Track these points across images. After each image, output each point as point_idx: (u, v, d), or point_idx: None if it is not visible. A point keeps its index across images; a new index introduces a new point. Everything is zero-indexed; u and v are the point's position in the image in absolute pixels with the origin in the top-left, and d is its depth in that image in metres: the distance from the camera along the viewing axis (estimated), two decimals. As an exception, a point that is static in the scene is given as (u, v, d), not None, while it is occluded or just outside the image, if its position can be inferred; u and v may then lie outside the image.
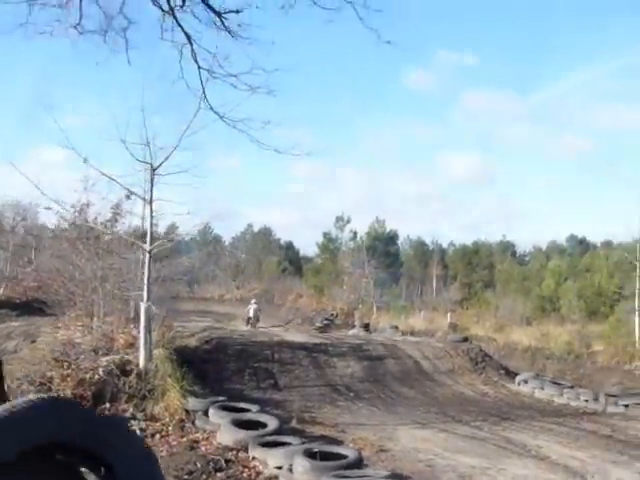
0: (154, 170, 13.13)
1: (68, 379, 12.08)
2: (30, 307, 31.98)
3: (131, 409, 11.89)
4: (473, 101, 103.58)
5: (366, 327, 32.66)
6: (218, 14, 10.16)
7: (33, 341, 20.26)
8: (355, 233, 61.73)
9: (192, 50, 10.71)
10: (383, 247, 62.43)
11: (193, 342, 19.67)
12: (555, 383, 20.10)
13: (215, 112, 11.64)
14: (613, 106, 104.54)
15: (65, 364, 12.73)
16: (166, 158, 13.19)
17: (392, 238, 67.58)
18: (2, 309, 31.84)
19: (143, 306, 13.22)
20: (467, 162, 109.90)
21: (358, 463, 8.61)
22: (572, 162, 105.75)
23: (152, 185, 13.28)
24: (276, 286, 51.71)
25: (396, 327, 32.24)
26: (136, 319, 19.25)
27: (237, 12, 10.28)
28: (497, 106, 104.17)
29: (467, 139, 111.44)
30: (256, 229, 79.56)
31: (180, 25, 10.35)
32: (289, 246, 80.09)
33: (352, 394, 18.25)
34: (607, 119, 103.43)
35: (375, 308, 42.30)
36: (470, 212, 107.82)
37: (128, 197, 18.33)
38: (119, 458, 2.97)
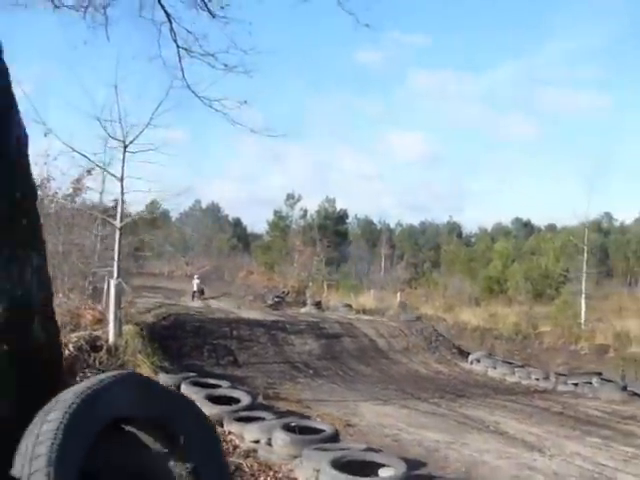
0: (126, 147, 13.15)
1: (37, 354, 12.05)
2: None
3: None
4: (422, 80, 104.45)
5: (318, 305, 32.97)
6: (200, -6, 10.27)
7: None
8: (305, 211, 62.03)
9: (171, 28, 10.79)
10: (333, 226, 62.81)
11: (150, 318, 19.70)
12: (506, 362, 20.78)
13: (192, 91, 11.77)
14: (560, 91, 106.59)
15: (33, 339, 12.69)
16: (137, 135, 13.22)
17: (342, 217, 68.01)
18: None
19: (113, 282, 13.27)
20: (415, 141, 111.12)
21: (335, 437, 8.93)
22: (517, 145, 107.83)
23: (124, 162, 13.30)
24: (226, 263, 51.66)
25: (349, 305, 32.68)
26: (94, 295, 19.21)
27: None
28: (445, 86, 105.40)
29: (416, 118, 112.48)
30: (204, 205, 79.26)
31: (161, 4, 10.43)
32: (237, 223, 79.97)
33: (311, 371, 18.58)
34: (554, 104, 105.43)
35: (326, 286, 42.67)
36: (417, 192, 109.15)
37: (89, 172, 18.25)
38: (188, 432, 3.18)
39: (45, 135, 14.04)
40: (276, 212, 63.12)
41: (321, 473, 7.22)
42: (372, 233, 73.96)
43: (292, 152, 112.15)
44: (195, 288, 34.58)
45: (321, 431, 9.03)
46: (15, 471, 2.76)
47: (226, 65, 11.34)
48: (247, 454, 8.69)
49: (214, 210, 79.91)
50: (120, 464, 3.12)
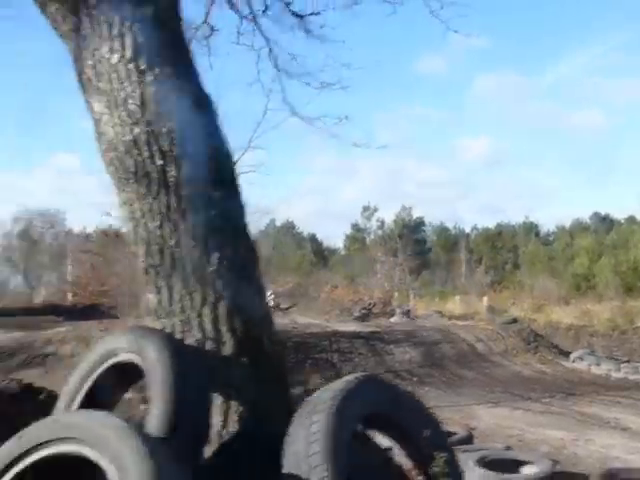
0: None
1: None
2: (74, 312, 32.42)
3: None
4: (486, 83, 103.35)
5: (407, 314, 33.02)
6: (300, 17, 10.67)
7: (87, 344, 20.89)
8: (382, 222, 62.37)
9: (270, 52, 11.21)
10: (410, 234, 62.86)
11: (250, 337, 20.15)
12: (611, 358, 20.53)
13: (294, 111, 12.20)
14: (629, 81, 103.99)
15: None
16: (239, 158, 13.70)
17: (418, 225, 67.99)
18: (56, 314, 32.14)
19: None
20: (484, 144, 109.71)
21: (469, 439, 9.18)
22: (587, 139, 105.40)
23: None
24: (308, 279, 52.25)
25: (439, 312, 32.70)
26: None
27: (317, 14, 10.80)
28: (510, 87, 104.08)
29: (482, 121, 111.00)
30: (278, 223, 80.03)
31: (260, 30, 10.87)
32: (312, 238, 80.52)
33: (415, 379, 18.76)
34: (623, 94, 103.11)
35: (412, 295, 42.76)
36: (490, 195, 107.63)
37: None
38: (418, 427, 3.52)
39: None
40: (353, 225, 63.64)
41: (468, 472, 7.45)
42: (447, 239, 73.50)
43: (361, 165, 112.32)
44: (272, 303, 35.47)
45: (454, 433, 9.27)
46: (289, 468, 3.12)
47: (322, 83, 11.72)
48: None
49: (289, 227, 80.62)
50: (360, 462, 3.48)
